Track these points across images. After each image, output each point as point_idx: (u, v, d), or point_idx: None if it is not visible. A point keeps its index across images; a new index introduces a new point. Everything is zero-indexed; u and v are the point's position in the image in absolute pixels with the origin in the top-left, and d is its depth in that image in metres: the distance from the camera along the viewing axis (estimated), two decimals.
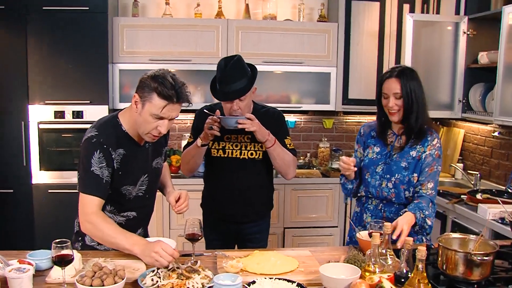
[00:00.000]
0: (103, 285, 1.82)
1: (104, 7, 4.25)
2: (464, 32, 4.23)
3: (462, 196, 3.77)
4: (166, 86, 2.11)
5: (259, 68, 2.88)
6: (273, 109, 3.01)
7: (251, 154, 2.90)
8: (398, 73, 2.59)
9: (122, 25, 4.45)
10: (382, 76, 2.69)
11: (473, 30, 4.22)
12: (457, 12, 4.33)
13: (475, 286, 1.96)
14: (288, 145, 2.93)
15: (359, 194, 2.85)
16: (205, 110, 2.81)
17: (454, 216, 3.68)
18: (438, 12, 4.61)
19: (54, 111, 4.27)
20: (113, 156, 2.23)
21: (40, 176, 4.32)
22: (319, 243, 4.54)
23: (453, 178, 4.62)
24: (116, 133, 2.28)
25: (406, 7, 4.71)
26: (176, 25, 4.53)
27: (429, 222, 2.49)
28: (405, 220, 2.37)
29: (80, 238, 2.42)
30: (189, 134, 3.00)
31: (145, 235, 2.60)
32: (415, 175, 2.60)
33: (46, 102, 4.25)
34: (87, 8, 4.20)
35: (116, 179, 2.27)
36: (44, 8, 4.15)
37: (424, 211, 2.47)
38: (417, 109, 2.58)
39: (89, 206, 2.20)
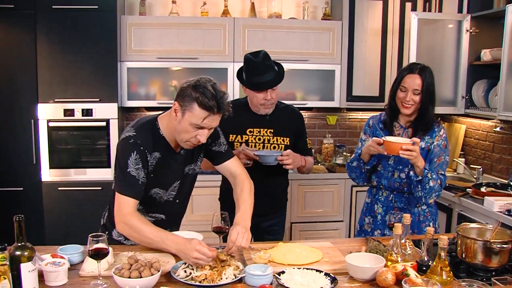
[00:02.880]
0: (141, 277, 1.87)
1: (113, 5, 4.30)
2: (467, 30, 4.32)
3: (467, 189, 3.87)
4: (207, 96, 2.09)
5: None
6: (292, 106, 3.15)
7: (274, 147, 3.01)
8: (420, 70, 2.69)
9: (130, 23, 4.49)
10: (403, 70, 2.78)
11: (476, 28, 4.32)
12: (460, 10, 4.42)
13: (493, 273, 2.04)
14: (308, 145, 3.12)
15: (370, 185, 2.94)
16: (244, 149, 2.87)
17: (460, 209, 3.78)
18: (440, 10, 4.70)
19: (64, 109, 4.31)
20: (148, 159, 2.24)
21: (49, 174, 4.36)
22: (325, 237, 4.62)
23: (456, 173, 4.72)
24: (153, 136, 2.27)
25: (409, 5, 4.79)
26: (183, 23, 4.58)
27: (431, 183, 2.59)
28: (418, 152, 2.54)
29: (107, 232, 2.45)
30: None
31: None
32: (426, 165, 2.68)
33: (56, 100, 4.29)
34: (96, 6, 4.24)
35: (148, 182, 2.29)
36: (53, 6, 4.18)
37: (433, 173, 2.61)
38: (431, 106, 2.72)
39: (125, 207, 2.20)
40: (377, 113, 3.01)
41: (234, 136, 2.99)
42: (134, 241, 2.28)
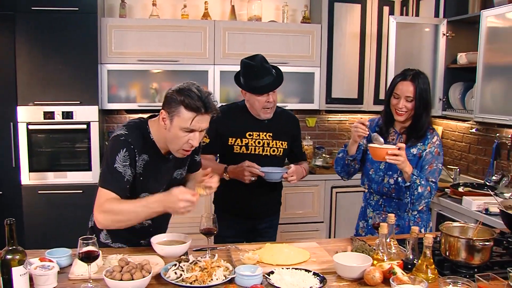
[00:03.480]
0: (132, 279, 1.88)
1: (94, 7, 4.28)
2: (444, 34, 4.42)
3: (445, 189, 3.96)
4: (192, 98, 2.11)
5: None
6: (287, 110, 3.21)
7: (273, 151, 3.04)
8: (413, 77, 2.71)
9: (110, 25, 4.48)
10: (396, 77, 2.79)
11: (452, 32, 4.43)
12: (436, 15, 4.52)
13: (476, 270, 2.10)
14: (302, 148, 3.21)
15: (362, 187, 2.99)
16: (250, 166, 2.86)
17: (439, 209, 3.87)
18: (417, 15, 4.80)
19: (44, 112, 4.27)
20: (137, 159, 2.24)
21: (29, 177, 4.31)
22: (306, 239, 4.66)
23: None
24: (143, 138, 2.27)
25: (386, 9, 4.91)
26: (163, 26, 4.59)
27: (419, 189, 2.62)
28: (405, 158, 2.57)
29: (94, 235, 2.45)
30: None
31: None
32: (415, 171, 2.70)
33: (36, 103, 4.24)
34: (77, 8, 4.22)
35: (136, 184, 2.28)
36: (33, 8, 4.14)
37: (421, 179, 2.63)
38: (425, 113, 2.72)
39: (104, 197, 2.17)
40: (375, 116, 3.03)
41: (234, 139, 2.99)
42: (122, 226, 2.19)
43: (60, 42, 4.23)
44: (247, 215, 3.07)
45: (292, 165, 2.98)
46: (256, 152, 3.00)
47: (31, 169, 4.31)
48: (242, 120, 3.01)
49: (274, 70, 2.95)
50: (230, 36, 4.68)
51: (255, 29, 4.75)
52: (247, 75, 2.90)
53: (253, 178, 2.86)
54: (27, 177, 4.30)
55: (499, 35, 3.73)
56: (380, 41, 4.94)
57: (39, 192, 4.32)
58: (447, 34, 4.42)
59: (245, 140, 2.99)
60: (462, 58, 4.29)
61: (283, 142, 3.05)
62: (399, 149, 2.56)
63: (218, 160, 3.18)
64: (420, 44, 4.54)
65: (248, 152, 2.99)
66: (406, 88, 2.70)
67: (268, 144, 3.02)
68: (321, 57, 4.88)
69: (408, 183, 2.63)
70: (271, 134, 3.02)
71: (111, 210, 2.14)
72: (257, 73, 2.85)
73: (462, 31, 4.44)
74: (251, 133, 3.00)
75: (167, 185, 2.39)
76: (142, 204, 2.15)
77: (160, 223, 2.56)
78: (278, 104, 3.06)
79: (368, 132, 2.69)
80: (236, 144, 2.99)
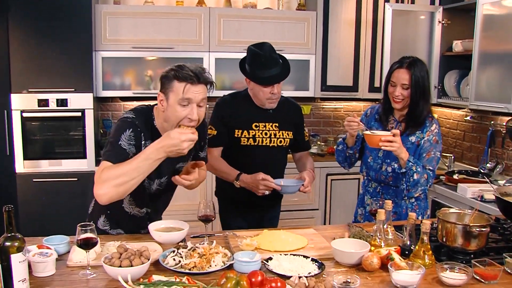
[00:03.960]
0: (131, 266, 1.88)
1: None
2: (439, 22, 4.43)
3: (440, 176, 3.98)
4: (184, 70, 2.12)
5: (241, 55, 2.98)
6: (290, 99, 3.13)
7: (280, 141, 2.97)
8: (409, 64, 2.70)
9: (105, 12, 4.44)
10: (393, 64, 2.79)
11: (448, 19, 4.43)
12: (432, 2, 4.52)
13: (472, 255, 2.12)
14: (306, 137, 3.14)
15: (360, 174, 2.99)
16: (266, 180, 2.75)
17: (434, 196, 3.90)
18: (413, 2, 4.80)
19: (38, 100, 4.24)
20: (142, 143, 2.22)
21: (23, 165, 4.29)
22: (301, 226, 4.67)
23: None
24: (149, 124, 2.27)
25: None
26: (158, 12, 4.56)
27: (415, 176, 2.63)
28: (401, 144, 2.57)
29: (92, 221, 2.44)
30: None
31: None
32: (415, 159, 2.70)
33: (30, 90, 4.21)
34: None
35: None
36: None
37: (418, 166, 2.63)
38: (423, 100, 2.71)
39: (102, 167, 2.11)
40: (376, 104, 3.04)
41: (241, 131, 2.91)
42: (127, 189, 2.08)
43: (54, 29, 4.19)
44: (254, 205, 3.02)
45: (305, 175, 2.85)
46: (264, 144, 2.93)
47: (26, 157, 4.29)
48: (247, 111, 2.93)
49: (281, 60, 2.86)
50: (225, 23, 4.66)
51: (250, 16, 4.72)
52: (254, 64, 2.80)
53: (267, 192, 2.78)
54: (21, 165, 4.28)
55: (495, 23, 3.73)
56: (375, 29, 4.92)
57: (33, 180, 4.30)
58: (443, 22, 4.43)
59: (252, 132, 2.91)
60: (458, 46, 4.29)
61: (289, 132, 3.00)
62: (394, 135, 2.56)
63: (222, 153, 3.03)
64: (415, 32, 4.54)
65: (256, 143, 2.92)
66: (402, 76, 2.70)
67: (275, 135, 2.95)
68: (316, 44, 4.87)
69: (404, 170, 2.65)
70: (277, 125, 2.96)
71: (110, 176, 2.05)
72: (264, 63, 2.77)
73: (457, 19, 4.45)
74: (258, 124, 2.93)
75: (169, 177, 2.36)
76: (141, 158, 2.06)
77: (158, 212, 2.58)
78: None
79: (362, 126, 2.70)
80: (243, 136, 2.91)
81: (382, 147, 2.57)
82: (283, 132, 2.97)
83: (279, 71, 2.81)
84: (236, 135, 2.91)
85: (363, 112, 3.08)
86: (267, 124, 2.94)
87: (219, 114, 2.95)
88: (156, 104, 2.29)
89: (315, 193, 4.81)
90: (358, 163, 3.01)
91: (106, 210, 2.40)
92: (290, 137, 3.00)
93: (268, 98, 2.85)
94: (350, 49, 4.95)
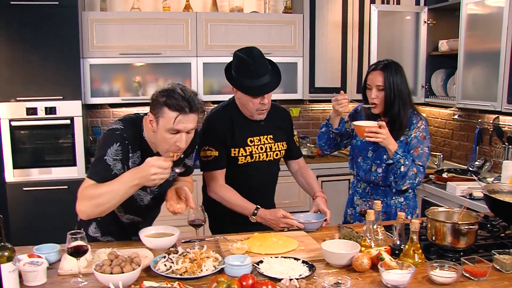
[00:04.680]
0: (122, 272, 1.88)
1: (74, 1, 4.22)
2: (425, 22, 4.46)
3: (430, 175, 4.01)
4: (175, 98, 2.08)
5: (227, 60, 2.74)
6: (278, 105, 2.97)
7: (276, 154, 2.84)
8: (383, 67, 2.73)
9: (92, 19, 4.43)
10: (368, 68, 2.83)
11: (433, 19, 4.47)
12: (417, 2, 4.56)
13: (461, 253, 2.14)
14: (296, 143, 3.05)
15: (351, 171, 3.00)
16: (286, 218, 2.56)
17: (424, 195, 3.92)
18: (398, 3, 4.83)
19: (26, 108, 4.21)
20: (130, 155, 2.22)
21: (13, 174, 4.26)
22: (292, 228, 4.69)
23: None
24: (138, 135, 2.26)
25: None
26: (145, 18, 4.56)
27: (402, 169, 2.64)
28: (389, 135, 2.59)
29: (82, 229, 2.43)
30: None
31: None
32: (405, 153, 2.71)
33: (18, 99, 4.19)
34: (57, 2, 4.14)
35: None
36: (12, 2, 4.06)
37: (406, 159, 2.64)
38: (399, 102, 2.71)
39: (84, 186, 2.15)
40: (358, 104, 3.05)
41: (237, 149, 2.71)
42: (104, 210, 2.14)
43: (41, 37, 4.17)
44: (246, 221, 2.73)
45: (323, 206, 2.74)
46: (260, 159, 2.77)
47: (15, 166, 4.26)
48: (240, 125, 2.72)
49: (270, 67, 2.62)
50: (212, 27, 4.67)
51: (237, 20, 4.74)
52: (242, 72, 2.57)
53: (286, 230, 2.57)
54: (11, 174, 4.26)
55: (479, 22, 3.77)
56: (362, 30, 4.95)
57: (24, 189, 4.27)
58: (428, 22, 4.47)
59: (249, 149, 2.73)
60: (444, 45, 4.33)
61: (283, 143, 2.85)
62: (380, 127, 2.58)
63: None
64: (401, 32, 4.58)
65: (253, 160, 2.75)
66: (376, 78, 2.72)
67: (271, 148, 2.79)
68: (304, 47, 4.89)
69: (391, 161, 2.66)
70: (271, 136, 2.80)
71: (89, 195, 2.11)
72: (253, 71, 2.53)
73: (443, 19, 4.49)
74: (252, 139, 2.75)
75: (160, 185, 2.31)
76: (118, 182, 2.09)
77: (149, 219, 2.58)
78: None
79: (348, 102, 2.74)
80: (240, 154, 2.72)
81: (367, 138, 2.58)
82: (278, 144, 2.82)
83: (269, 79, 2.58)
84: (233, 155, 2.72)
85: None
86: (261, 137, 2.77)
87: (215, 132, 2.70)
88: (145, 114, 2.29)
89: (305, 194, 4.80)
90: (345, 163, 3.02)
91: (97, 218, 2.37)
92: (284, 147, 2.86)
93: (257, 109, 2.64)
94: (338, 50, 4.98)
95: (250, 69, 2.54)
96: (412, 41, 4.56)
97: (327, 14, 4.90)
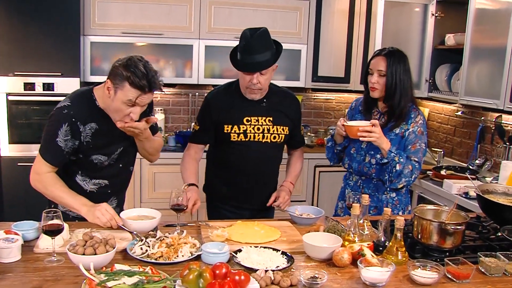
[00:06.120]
0: (95, 254, 1.85)
1: None
2: (433, 14, 4.36)
3: (427, 172, 3.94)
4: (138, 76, 2.12)
5: (230, 43, 2.84)
6: (288, 91, 2.94)
7: (274, 137, 2.78)
8: (387, 53, 2.67)
9: None
10: (373, 53, 2.76)
11: (441, 12, 4.37)
12: None
13: (447, 253, 2.08)
14: (301, 131, 3.02)
15: (338, 165, 2.95)
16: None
17: (420, 191, 3.85)
18: None
19: (24, 83, 4.20)
20: (81, 130, 2.28)
21: (9, 149, 4.26)
22: (288, 217, 4.64)
23: None
24: (90, 107, 2.30)
25: None
26: None
27: (397, 167, 2.58)
28: (381, 134, 2.54)
29: (52, 206, 2.45)
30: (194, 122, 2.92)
31: (120, 204, 2.63)
32: (399, 150, 2.65)
33: (16, 73, 4.16)
34: None
35: (86, 150, 2.33)
36: None
37: (400, 157, 2.58)
38: (400, 91, 2.65)
39: (43, 169, 2.30)
40: (361, 96, 2.96)
41: (230, 126, 2.71)
42: (49, 199, 2.38)
43: (41, 12, 4.13)
44: (243, 204, 2.86)
45: (275, 194, 2.83)
46: (256, 140, 2.74)
47: (11, 141, 4.26)
48: (238, 104, 2.73)
49: (269, 51, 2.60)
50: (216, 10, 4.60)
51: (242, 3, 4.66)
52: (239, 46, 2.60)
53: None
54: (6, 149, 4.25)
55: (487, 17, 3.67)
56: (369, 20, 4.86)
57: (18, 164, 4.25)
58: (436, 15, 4.37)
59: (243, 127, 2.72)
60: (450, 39, 4.23)
61: (284, 128, 2.80)
62: (372, 125, 2.52)
63: (211, 149, 2.93)
64: (408, 24, 4.48)
65: (247, 139, 2.72)
66: (379, 62, 2.67)
67: (269, 130, 2.75)
68: (309, 34, 4.81)
69: (386, 160, 2.60)
70: (271, 119, 2.75)
71: (45, 184, 2.31)
72: (245, 48, 2.55)
73: (451, 12, 4.39)
74: (249, 119, 2.72)
75: (123, 147, 2.45)
76: (73, 198, 2.30)
77: (118, 185, 2.59)
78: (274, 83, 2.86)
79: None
80: (233, 131, 2.71)
81: (360, 138, 2.53)
82: (278, 127, 2.77)
83: (262, 59, 2.55)
84: (225, 131, 2.72)
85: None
86: (259, 118, 2.74)
87: (207, 110, 2.78)
88: (95, 85, 2.38)
89: (302, 184, 4.77)
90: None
91: None
92: (285, 132, 2.80)
93: (247, 87, 2.65)
94: (343, 40, 4.89)
95: (244, 44, 2.56)
96: (419, 33, 4.47)
97: (334, 1, 4.82)
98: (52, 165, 2.30)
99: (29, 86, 4.21)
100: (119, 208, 2.58)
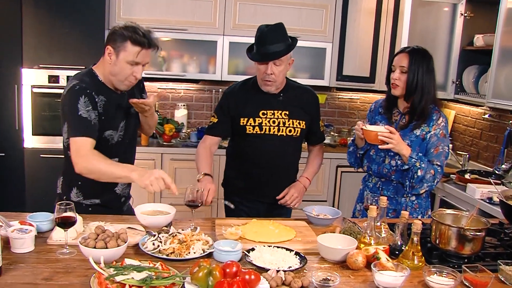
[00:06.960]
0: (106, 247, 1.84)
1: None
2: (462, 14, 4.26)
3: (451, 175, 3.85)
4: (138, 34, 2.27)
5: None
6: (306, 86, 2.98)
7: (290, 131, 2.81)
8: (411, 50, 2.64)
9: None
10: (397, 51, 2.73)
11: (470, 12, 4.26)
12: None
13: (465, 260, 2.02)
14: (321, 127, 3.01)
15: (361, 170, 2.90)
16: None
17: (443, 195, 3.77)
18: None
19: (49, 76, 4.23)
20: (96, 100, 2.33)
21: (32, 140, 4.30)
22: (305, 217, 4.59)
23: None
24: (94, 82, 2.38)
25: None
26: None
27: (419, 173, 2.53)
28: (399, 140, 2.50)
29: (65, 197, 2.46)
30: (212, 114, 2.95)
31: (128, 186, 2.66)
32: (420, 154, 2.59)
33: (41, 66, 4.20)
34: None
35: (100, 124, 2.36)
36: None
37: (422, 162, 2.53)
38: (421, 90, 2.59)
39: (83, 148, 2.25)
40: (380, 97, 2.94)
41: (246, 119, 2.78)
42: (97, 180, 2.27)
43: (67, 6, 4.17)
44: (262, 198, 2.90)
45: (288, 189, 2.84)
46: (271, 132, 2.78)
47: (35, 133, 4.30)
48: (255, 98, 2.79)
49: (284, 43, 2.66)
50: (241, 6, 4.58)
51: (267, 0, 4.62)
52: (256, 38, 2.69)
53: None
54: (30, 140, 4.30)
55: None
56: (396, 19, 4.76)
57: (41, 155, 4.30)
58: (465, 14, 4.26)
59: (259, 120, 2.77)
60: (479, 40, 4.12)
61: (300, 121, 2.82)
62: (390, 132, 2.47)
63: (229, 143, 3.01)
64: (436, 24, 4.38)
65: (262, 132, 2.77)
66: (402, 59, 2.63)
67: (284, 123, 2.79)
68: (334, 32, 4.75)
69: (407, 166, 2.54)
70: (287, 113, 2.79)
71: (92, 164, 2.23)
72: (260, 38, 2.65)
73: (481, 12, 4.28)
74: (265, 112, 2.78)
75: (126, 120, 2.51)
76: (122, 168, 2.25)
77: (127, 161, 2.55)
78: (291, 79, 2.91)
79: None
80: (248, 124, 2.77)
81: (379, 146, 2.49)
82: (294, 121, 2.81)
83: (274, 50, 2.63)
84: (241, 123, 2.78)
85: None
86: (275, 111, 2.79)
87: (224, 104, 2.86)
88: (93, 65, 2.46)
89: (324, 184, 4.72)
90: None
91: (77, 182, 2.44)
92: (302, 126, 2.83)
93: (262, 79, 2.72)
94: (369, 39, 4.82)
95: (259, 35, 2.67)
96: (447, 33, 4.36)
97: (361, 0, 4.73)
98: (88, 137, 2.26)
99: (54, 79, 4.25)
100: (129, 188, 2.68)
